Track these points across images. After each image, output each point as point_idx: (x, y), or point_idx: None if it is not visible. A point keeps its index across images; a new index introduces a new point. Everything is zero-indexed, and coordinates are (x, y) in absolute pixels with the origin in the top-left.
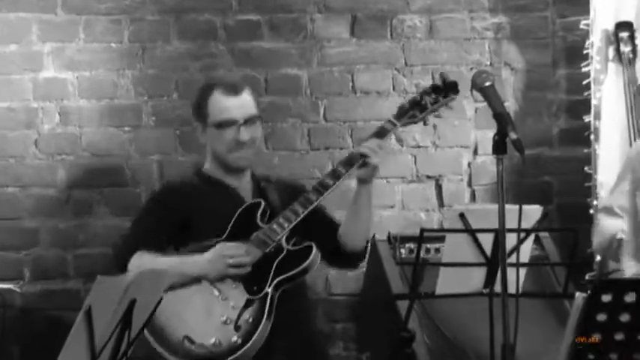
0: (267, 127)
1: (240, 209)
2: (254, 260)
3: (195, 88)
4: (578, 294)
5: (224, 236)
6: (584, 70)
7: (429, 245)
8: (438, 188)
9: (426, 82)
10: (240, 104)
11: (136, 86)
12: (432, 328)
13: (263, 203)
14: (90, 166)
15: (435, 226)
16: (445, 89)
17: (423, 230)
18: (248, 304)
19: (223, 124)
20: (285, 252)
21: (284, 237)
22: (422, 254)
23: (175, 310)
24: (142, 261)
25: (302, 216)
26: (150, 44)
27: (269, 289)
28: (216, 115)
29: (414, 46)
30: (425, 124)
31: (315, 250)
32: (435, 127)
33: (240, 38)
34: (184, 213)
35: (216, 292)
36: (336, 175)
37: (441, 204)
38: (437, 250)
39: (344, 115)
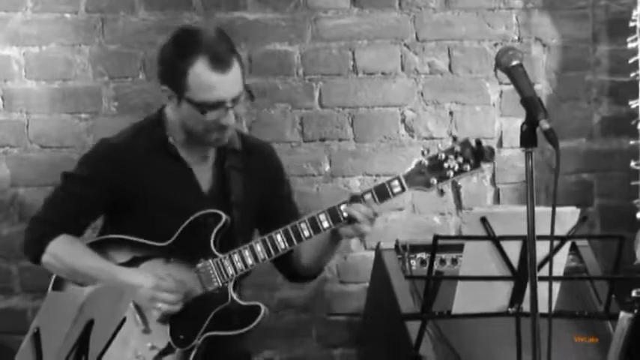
0: (252, 115)
1: (196, 216)
2: (190, 298)
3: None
4: (622, 314)
5: (166, 242)
6: (630, 46)
7: (444, 255)
8: (456, 188)
9: (441, 61)
10: (229, 82)
11: (95, 65)
12: (448, 353)
13: (224, 219)
14: (39, 161)
15: (452, 233)
16: (476, 155)
17: (437, 237)
18: (168, 350)
19: (207, 107)
20: (229, 302)
21: (234, 280)
22: (436, 266)
23: None
24: (65, 252)
25: (261, 262)
26: (111, 15)
27: (196, 342)
28: (198, 92)
29: (426, 17)
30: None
31: (263, 313)
32: (451, 114)
33: (220, 8)
34: (122, 190)
35: (139, 319)
36: (315, 227)
37: (459, 206)
38: (454, 261)
39: (343, 100)
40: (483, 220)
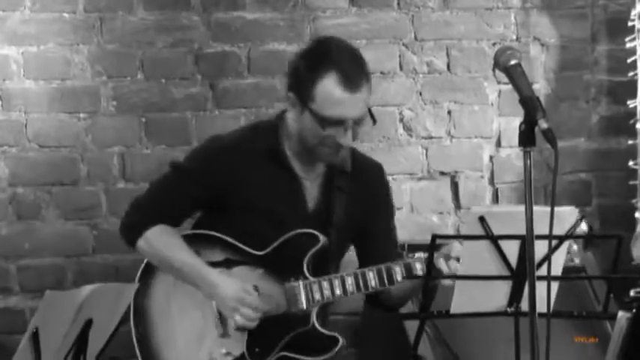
0: (250, 114)
1: (295, 233)
2: (274, 314)
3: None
4: (621, 314)
5: (261, 252)
6: (628, 45)
7: None
8: (454, 187)
9: (440, 60)
10: (356, 103)
11: (93, 64)
12: (446, 353)
13: (322, 242)
14: (37, 160)
15: (450, 232)
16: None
17: (435, 237)
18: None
19: (328, 122)
20: (309, 327)
21: (318, 306)
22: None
23: (169, 324)
24: (161, 242)
25: (348, 295)
26: (109, 14)
27: (270, 359)
28: (323, 105)
29: (425, 17)
30: None
31: (340, 345)
32: (450, 113)
33: (218, 7)
34: (228, 190)
35: (219, 323)
36: (409, 273)
37: (458, 205)
38: None
39: None
40: (482, 219)
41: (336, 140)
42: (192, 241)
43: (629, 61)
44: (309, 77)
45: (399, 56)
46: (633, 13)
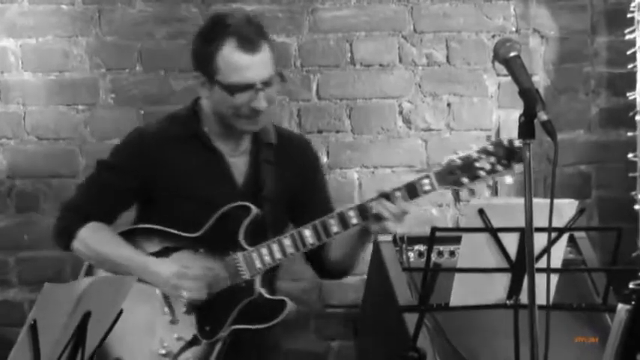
0: None
1: (227, 208)
2: (217, 289)
3: (198, 28)
4: (620, 306)
5: (197, 234)
6: (628, 37)
7: (442, 247)
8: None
9: (439, 52)
10: (259, 64)
11: (92, 56)
12: (446, 346)
13: (255, 212)
14: (36, 153)
15: (450, 225)
16: (509, 155)
17: (434, 229)
18: (194, 341)
19: (237, 88)
20: (255, 296)
21: (261, 274)
22: (433, 258)
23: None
24: (95, 239)
25: (289, 257)
26: (108, 6)
27: (222, 335)
28: (228, 74)
29: (424, 9)
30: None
31: (288, 307)
32: (449, 105)
33: None
34: (155, 180)
35: (167, 310)
36: (344, 223)
37: (457, 198)
38: (451, 254)
39: (341, 92)
40: (481, 211)
41: (250, 106)
42: (128, 237)
43: (628, 53)
44: (209, 51)
45: (398, 48)
46: (633, 4)
